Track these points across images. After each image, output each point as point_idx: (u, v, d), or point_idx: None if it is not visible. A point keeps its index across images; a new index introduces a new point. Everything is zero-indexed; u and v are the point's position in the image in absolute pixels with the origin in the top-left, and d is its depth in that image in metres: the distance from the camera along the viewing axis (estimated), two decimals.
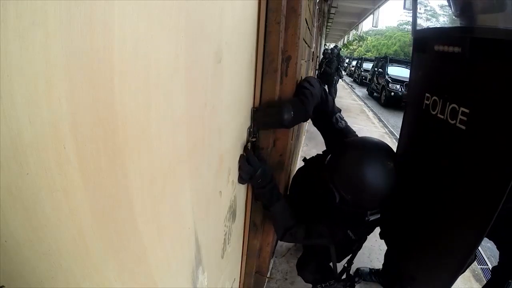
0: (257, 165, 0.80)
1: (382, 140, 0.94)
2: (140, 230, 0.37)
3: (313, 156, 1.26)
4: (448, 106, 0.86)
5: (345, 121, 1.05)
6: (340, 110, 1.05)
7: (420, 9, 1.37)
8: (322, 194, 1.00)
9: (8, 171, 0.22)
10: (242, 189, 0.90)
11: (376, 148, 0.86)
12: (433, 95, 0.96)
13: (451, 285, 0.88)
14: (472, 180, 0.78)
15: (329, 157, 0.95)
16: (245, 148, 0.80)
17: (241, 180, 0.80)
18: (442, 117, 0.89)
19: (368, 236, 1.18)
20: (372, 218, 0.93)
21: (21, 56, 0.21)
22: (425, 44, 1.06)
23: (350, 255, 1.32)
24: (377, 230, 1.39)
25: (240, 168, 0.78)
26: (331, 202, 0.91)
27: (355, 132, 1.05)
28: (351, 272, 1.40)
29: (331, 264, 1.31)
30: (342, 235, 0.98)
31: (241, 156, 0.78)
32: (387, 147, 0.88)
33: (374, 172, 0.81)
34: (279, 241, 1.93)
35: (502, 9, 0.95)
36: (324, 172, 0.94)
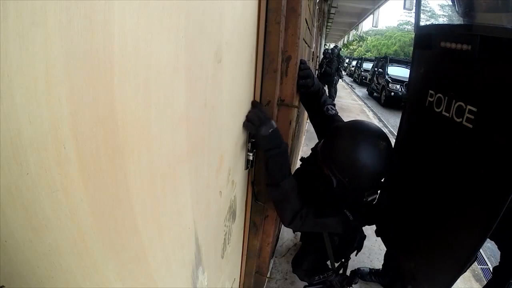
0: (266, 117, 0.76)
1: None
2: (140, 230, 0.37)
3: (308, 156, 1.27)
4: (454, 104, 0.84)
5: (336, 110, 1.09)
6: (334, 105, 1.11)
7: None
8: (319, 184, 1.00)
9: (8, 171, 0.22)
10: (242, 189, 0.89)
11: (367, 129, 0.88)
12: (437, 92, 0.94)
13: (452, 285, 0.88)
14: (477, 179, 0.77)
15: (321, 143, 0.95)
16: (254, 101, 0.78)
17: (251, 126, 0.75)
18: (447, 114, 0.88)
19: (368, 236, 1.18)
20: (369, 198, 0.94)
21: (21, 56, 0.21)
22: (429, 41, 1.04)
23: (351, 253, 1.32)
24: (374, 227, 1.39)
25: (248, 117, 0.75)
26: (329, 189, 0.91)
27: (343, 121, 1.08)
28: (350, 271, 1.40)
29: (327, 263, 1.32)
30: (344, 217, 0.95)
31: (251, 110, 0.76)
32: (377, 128, 0.89)
33: (368, 153, 0.82)
34: (279, 236, 1.93)
35: (508, 9, 0.94)
36: (318, 159, 0.94)
